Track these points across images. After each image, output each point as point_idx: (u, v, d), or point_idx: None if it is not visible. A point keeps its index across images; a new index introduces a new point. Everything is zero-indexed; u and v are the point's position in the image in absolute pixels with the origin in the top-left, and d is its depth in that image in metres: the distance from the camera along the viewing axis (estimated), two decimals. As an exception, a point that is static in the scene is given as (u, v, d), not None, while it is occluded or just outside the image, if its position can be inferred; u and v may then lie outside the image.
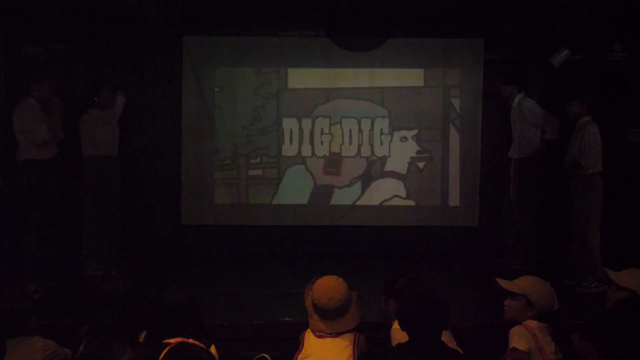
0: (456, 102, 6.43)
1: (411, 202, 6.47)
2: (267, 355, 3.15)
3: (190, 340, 1.98)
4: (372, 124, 6.43)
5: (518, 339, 2.98)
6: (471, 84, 6.43)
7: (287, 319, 4.10)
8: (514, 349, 2.97)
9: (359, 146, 6.45)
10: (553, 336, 2.95)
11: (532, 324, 3.01)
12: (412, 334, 2.59)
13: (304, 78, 6.40)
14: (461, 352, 3.07)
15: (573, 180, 5.25)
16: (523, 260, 5.65)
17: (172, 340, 1.93)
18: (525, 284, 3.11)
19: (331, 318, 2.90)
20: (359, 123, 6.43)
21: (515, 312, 3.11)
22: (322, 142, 6.44)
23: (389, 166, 6.45)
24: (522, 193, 5.76)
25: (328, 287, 2.93)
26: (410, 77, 6.42)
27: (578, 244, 5.18)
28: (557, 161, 5.78)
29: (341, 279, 2.98)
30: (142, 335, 2.87)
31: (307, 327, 2.99)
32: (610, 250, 5.26)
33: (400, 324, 2.71)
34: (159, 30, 6.14)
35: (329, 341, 2.89)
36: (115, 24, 5.82)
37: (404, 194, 6.46)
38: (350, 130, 6.43)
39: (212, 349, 2.67)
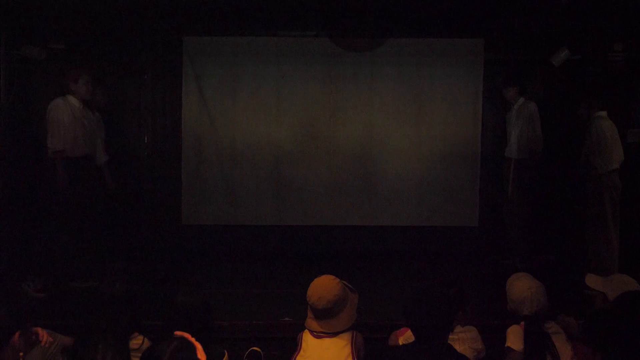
0: (456, 102, 6.42)
1: (411, 202, 6.47)
2: (258, 349, 3.17)
3: (192, 339, 1.99)
4: (372, 123, 6.43)
5: (513, 338, 3.01)
6: (471, 84, 6.42)
7: (287, 319, 4.09)
8: (509, 348, 2.99)
9: (359, 145, 6.45)
10: (525, 337, 2.96)
11: None
12: (417, 334, 2.58)
13: (303, 78, 6.40)
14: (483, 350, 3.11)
15: (589, 180, 5.25)
16: (530, 260, 5.64)
17: (179, 334, 1.97)
18: (508, 282, 3.15)
19: (321, 317, 2.90)
20: (359, 122, 6.43)
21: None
22: (322, 142, 6.43)
23: (389, 166, 6.44)
24: (522, 193, 5.77)
25: (320, 286, 2.92)
26: (410, 77, 6.41)
27: (593, 245, 5.19)
28: (566, 161, 5.81)
29: (337, 280, 2.96)
30: (137, 340, 2.84)
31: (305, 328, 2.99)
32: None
33: (406, 322, 2.71)
34: (159, 30, 6.14)
35: (326, 341, 2.89)
36: (115, 24, 5.82)
37: (404, 194, 6.45)
38: (351, 130, 6.43)
39: (225, 357, 2.67)
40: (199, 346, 1.99)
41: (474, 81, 6.41)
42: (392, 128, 6.42)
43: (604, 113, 5.22)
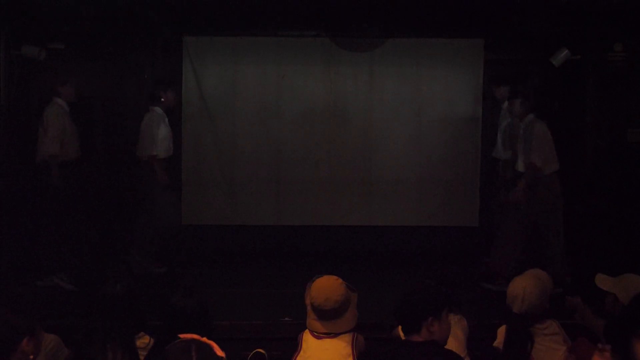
0: (456, 102, 6.43)
1: (411, 202, 6.47)
2: (262, 351, 3.16)
3: (203, 339, 1.98)
4: (372, 123, 6.43)
5: (501, 339, 3.01)
6: (471, 84, 6.42)
7: (287, 319, 4.10)
8: (495, 347, 3.00)
9: (359, 146, 6.45)
10: (507, 335, 2.97)
11: None
12: (404, 330, 2.58)
13: (303, 78, 6.40)
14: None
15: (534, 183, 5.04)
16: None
17: (187, 336, 1.95)
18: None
19: (327, 319, 2.88)
20: (359, 122, 6.43)
21: None
22: (322, 142, 6.43)
23: (389, 166, 6.44)
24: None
25: (325, 287, 2.90)
26: (410, 77, 6.41)
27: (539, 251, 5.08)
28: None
29: (340, 280, 2.95)
30: (143, 339, 2.84)
31: (306, 328, 2.99)
32: (611, 251, 5.27)
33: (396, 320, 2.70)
34: (159, 30, 6.14)
35: (327, 342, 2.89)
36: (115, 24, 5.82)
37: (404, 194, 6.45)
38: (351, 130, 6.43)
39: None
40: (214, 344, 1.98)
41: (474, 81, 6.42)
42: (392, 128, 6.42)
43: (533, 116, 5.07)
